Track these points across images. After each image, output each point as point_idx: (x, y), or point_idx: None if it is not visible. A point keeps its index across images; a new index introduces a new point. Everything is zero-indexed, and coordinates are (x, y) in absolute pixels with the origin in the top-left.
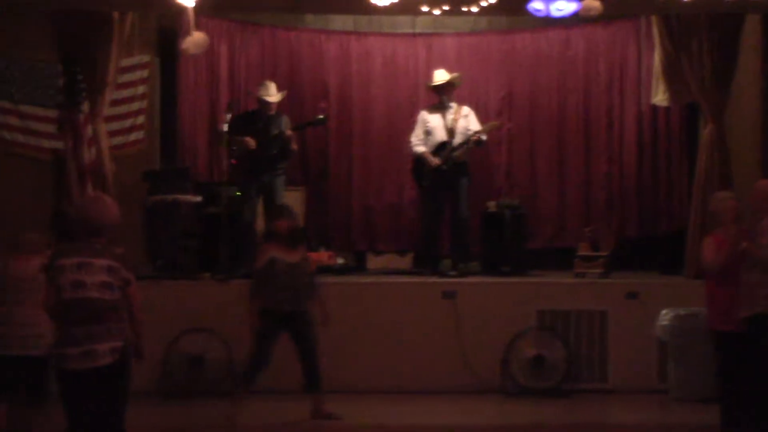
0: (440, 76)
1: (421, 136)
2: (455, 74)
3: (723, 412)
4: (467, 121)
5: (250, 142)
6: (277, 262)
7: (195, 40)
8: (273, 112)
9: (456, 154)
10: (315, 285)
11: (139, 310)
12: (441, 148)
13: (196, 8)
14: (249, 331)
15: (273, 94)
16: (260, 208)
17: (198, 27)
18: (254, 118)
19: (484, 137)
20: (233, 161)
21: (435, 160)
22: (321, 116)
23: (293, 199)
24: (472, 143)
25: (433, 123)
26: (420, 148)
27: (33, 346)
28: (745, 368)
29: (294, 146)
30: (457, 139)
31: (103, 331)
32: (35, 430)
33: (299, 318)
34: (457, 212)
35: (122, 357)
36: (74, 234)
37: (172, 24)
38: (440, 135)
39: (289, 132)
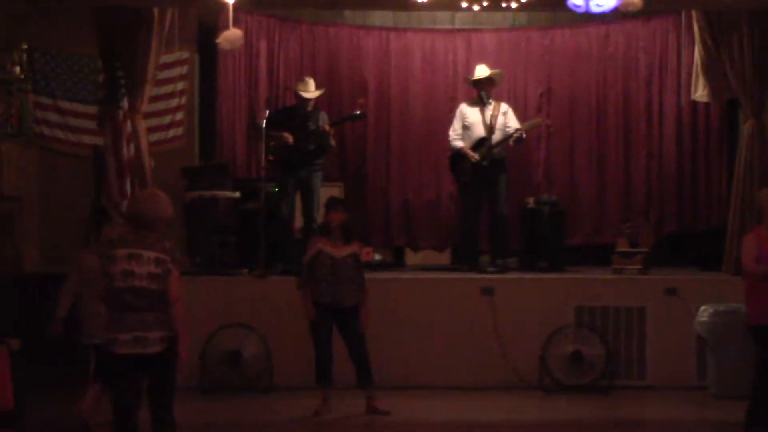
0: (481, 71)
1: (459, 131)
2: (496, 71)
3: (752, 407)
4: (506, 118)
5: (288, 137)
6: (321, 255)
7: (229, 36)
8: (310, 108)
9: (496, 151)
10: (361, 282)
11: (176, 302)
12: (480, 144)
13: (236, 4)
14: (308, 319)
15: (311, 90)
16: (298, 204)
17: (237, 23)
18: (292, 113)
19: (524, 135)
20: (271, 157)
21: (475, 155)
22: (359, 111)
23: (331, 194)
24: (513, 140)
25: (472, 118)
26: (459, 143)
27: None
28: None
29: (332, 141)
30: (496, 136)
31: (154, 320)
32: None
33: (344, 313)
34: (495, 209)
35: (171, 346)
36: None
37: (213, 20)
38: (479, 131)
39: (327, 127)
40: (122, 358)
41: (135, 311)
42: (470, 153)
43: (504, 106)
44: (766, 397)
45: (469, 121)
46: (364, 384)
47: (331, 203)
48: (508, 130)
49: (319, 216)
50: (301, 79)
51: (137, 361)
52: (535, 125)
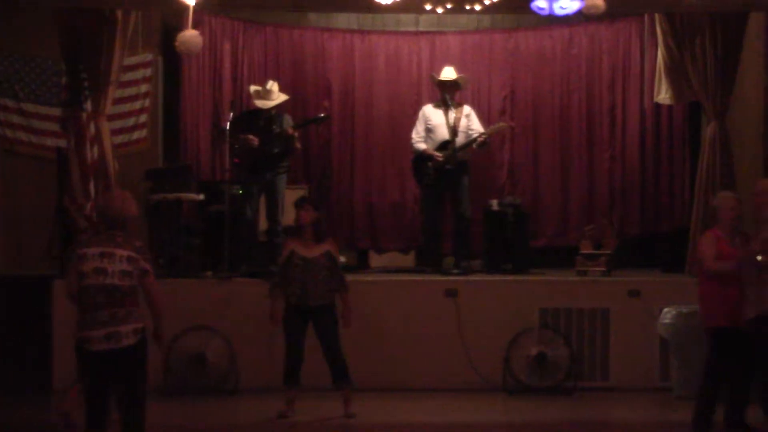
0: (448, 73)
1: (423, 134)
2: (463, 76)
3: (699, 408)
4: (469, 120)
5: (254, 139)
6: (293, 256)
7: (187, 38)
8: (274, 112)
9: (459, 154)
10: (338, 281)
11: (160, 298)
12: (443, 147)
13: (198, 6)
14: (272, 324)
15: (272, 99)
16: (262, 207)
17: (201, 26)
18: (256, 116)
19: (488, 139)
20: (236, 160)
21: (439, 156)
22: (323, 114)
23: (295, 197)
24: (477, 144)
25: (435, 120)
26: (422, 145)
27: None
28: (739, 365)
29: (298, 144)
30: (460, 138)
31: (125, 315)
32: None
33: (316, 313)
34: (458, 211)
35: (143, 338)
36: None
37: (176, 22)
38: (442, 133)
39: (291, 130)
40: (96, 355)
41: (106, 308)
42: (435, 153)
43: (467, 109)
44: (713, 399)
45: (432, 123)
46: (339, 385)
47: (301, 202)
48: (471, 132)
49: (284, 218)
50: (263, 87)
51: (111, 357)
52: (500, 130)
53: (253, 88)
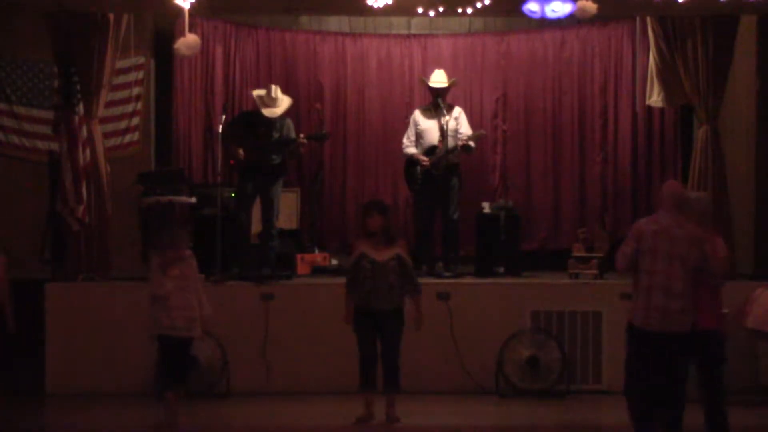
0: (439, 77)
1: (413, 138)
2: (454, 79)
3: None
4: (458, 122)
5: (241, 154)
6: (363, 259)
7: (186, 41)
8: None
9: (444, 163)
10: (410, 284)
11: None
12: (431, 152)
13: (191, 10)
14: (346, 324)
15: (278, 106)
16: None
17: (193, 28)
18: (255, 120)
19: (472, 144)
20: (231, 161)
21: (425, 160)
22: (324, 131)
23: (288, 200)
24: (460, 150)
25: (424, 125)
26: (411, 150)
27: (189, 328)
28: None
29: (302, 150)
30: (449, 142)
31: None
32: None
33: (384, 316)
34: (446, 214)
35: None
36: None
37: (168, 25)
38: (431, 137)
39: (303, 140)
40: None
41: None
42: (421, 158)
43: (456, 111)
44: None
45: (422, 127)
46: (388, 389)
47: (367, 210)
48: (459, 135)
49: (278, 221)
50: (266, 92)
51: None
52: (478, 137)
53: (256, 93)
